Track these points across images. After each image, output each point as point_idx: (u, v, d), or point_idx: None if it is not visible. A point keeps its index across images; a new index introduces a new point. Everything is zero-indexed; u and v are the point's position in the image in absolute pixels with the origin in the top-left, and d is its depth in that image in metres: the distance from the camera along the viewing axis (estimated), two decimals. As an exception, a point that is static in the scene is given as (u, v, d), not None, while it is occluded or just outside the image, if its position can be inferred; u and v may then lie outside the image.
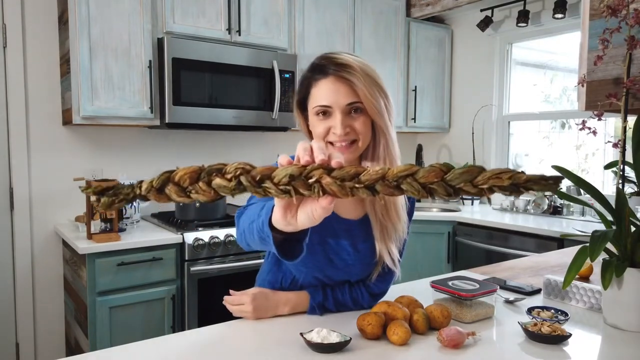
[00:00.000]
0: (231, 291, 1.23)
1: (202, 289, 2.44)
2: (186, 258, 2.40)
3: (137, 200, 0.63)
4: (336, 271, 1.21)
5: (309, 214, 0.70)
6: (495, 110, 3.67)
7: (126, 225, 2.55)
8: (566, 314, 1.15)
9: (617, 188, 1.13)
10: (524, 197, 3.24)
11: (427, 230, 3.15)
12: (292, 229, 0.76)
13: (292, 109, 1.22)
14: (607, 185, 3.06)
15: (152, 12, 2.56)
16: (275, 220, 0.76)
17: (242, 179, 0.62)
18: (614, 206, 1.10)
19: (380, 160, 1.13)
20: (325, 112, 1.08)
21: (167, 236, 2.38)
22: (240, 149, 3.28)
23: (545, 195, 3.11)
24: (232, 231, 2.53)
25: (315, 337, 0.99)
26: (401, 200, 1.18)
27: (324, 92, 1.08)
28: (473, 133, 3.69)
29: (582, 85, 1.31)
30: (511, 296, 1.35)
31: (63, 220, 2.70)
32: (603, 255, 1.11)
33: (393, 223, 1.16)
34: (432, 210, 3.55)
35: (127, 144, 2.88)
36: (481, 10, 3.53)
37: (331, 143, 1.09)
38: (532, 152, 3.63)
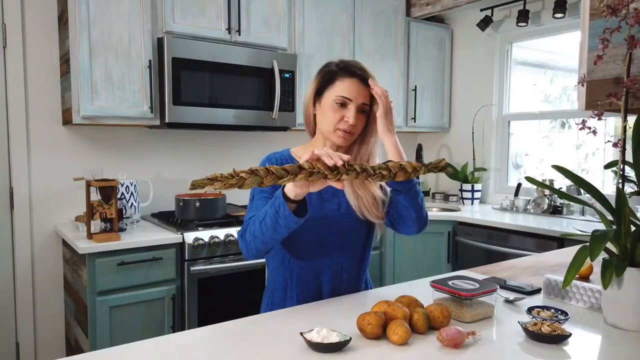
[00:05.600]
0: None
1: (202, 289, 2.44)
2: (186, 258, 2.40)
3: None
4: (328, 227, 1.34)
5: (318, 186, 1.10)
6: (495, 110, 3.67)
7: (126, 225, 2.55)
8: (566, 314, 1.15)
9: (617, 188, 1.13)
10: (524, 197, 3.25)
11: (427, 230, 3.07)
12: (301, 195, 1.12)
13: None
14: (607, 185, 3.05)
15: (152, 12, 2.56)
16: (288, 191, 1.12)
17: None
18: (614, 206, 1.10)
19: (373, 156, 1.38)
20: (343, 103, 1.31)
21: (167, 236, 2.38)
22: (240, 149, 3.28)
23: (546, 195, 3.11)
24: (232, 231, 2.53)
25: (315, 336, 0.99)
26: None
27: (347, 87, 1.31)
28: (473, 133, 3.69)
29: (582, 85, 1.30)
30: (511, 296, 1.36)
31: (63, 220, 2.70)
32: (603, 255, 1.11)
33: (368, 189, 1.34)
34: (432, 210, 3.54)
35: (127, 144, 2.88)
36: (481, 10, 3.53)
37: (339, 130, 1.31)
38: (532, 151, 3.63)
